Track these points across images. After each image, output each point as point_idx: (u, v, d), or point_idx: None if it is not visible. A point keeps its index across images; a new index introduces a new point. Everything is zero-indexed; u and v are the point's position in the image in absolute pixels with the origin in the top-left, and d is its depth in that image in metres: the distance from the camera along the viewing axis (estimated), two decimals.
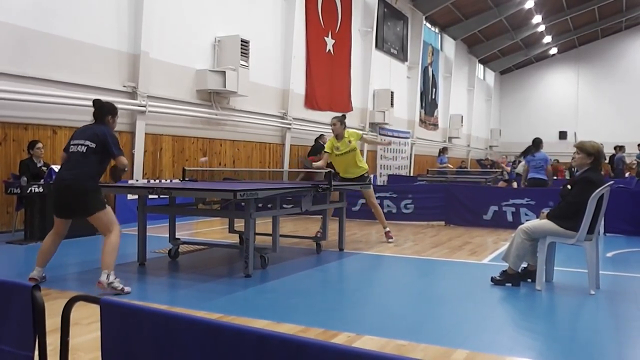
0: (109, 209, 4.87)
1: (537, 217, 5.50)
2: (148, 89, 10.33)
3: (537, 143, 10.76)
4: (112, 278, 4.58)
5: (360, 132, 7.86)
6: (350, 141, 7.73)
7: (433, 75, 25.80)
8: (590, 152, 5.04)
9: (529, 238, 5.07)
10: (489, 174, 17.71)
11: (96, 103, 5.06)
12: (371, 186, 8.08)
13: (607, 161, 18.27)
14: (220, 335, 1.58)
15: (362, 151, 18.89)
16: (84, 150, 4.77)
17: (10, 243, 7.24)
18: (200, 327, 1.62)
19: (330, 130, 8.15)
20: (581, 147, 5.10)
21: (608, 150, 18.62)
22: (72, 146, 4.87)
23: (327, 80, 16.52)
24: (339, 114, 8.46)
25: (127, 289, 4.63)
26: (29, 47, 8.48)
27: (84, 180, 4.74)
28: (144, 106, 10.21)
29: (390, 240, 7.90)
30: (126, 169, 4.98)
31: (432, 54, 25.52)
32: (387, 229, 8.06)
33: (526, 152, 10.94)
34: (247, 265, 5.37)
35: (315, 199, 6.43)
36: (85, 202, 4.74)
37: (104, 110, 5.02)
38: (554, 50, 33.74)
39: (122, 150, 5.03)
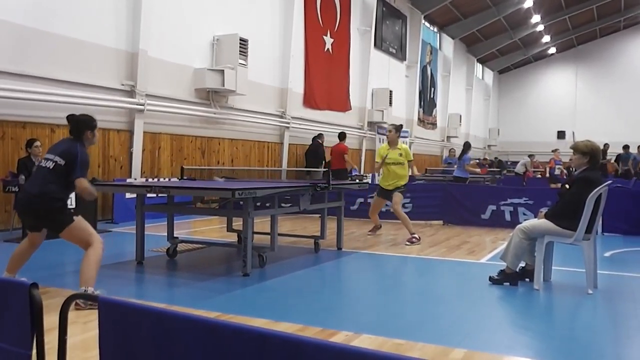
0: (79, 221, 4.37)
1: (535, 217, 5.51)
2: (146, 88, 10.32)
3: (468, 146, 13.01)
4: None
5: (412, 156, 8.32)
6: (401, 154, 8.08)
7: (432, 74, 25.81)
8: (585, 152, 5.05)
9: (527, 237, 5.08)
10: (487, 174, 17.74)
11: (71, 119, 4.57)
12: (400, 195, 8.15)
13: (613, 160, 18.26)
14: (218, 334, 1.58)
15: (360, 150, 18.95)
16: (51, 167, 4.33)
17: (8, 241, 7.23)
18: (199, 325, 1.62)
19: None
20: (575, 148, 5.13)
21: (615, 150, 18.66)
22: (43, 160, 4.46)
23: (326, 79, 16.51)
24: (396, 124, 8.81)
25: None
26: (28, 45, 8.47)
27: (48, 201, 4.28)
28: (143, 105, 10.19)
29: (407, 243, 7.73)
30: (89, 196, 4.44)
31: (431, 53, 25.53)
32: (414, 235, 7.89)
33: (463, 154, 12.90)
34: (245, 264, 5.37)
35: (313, 198, 6.44)
36: (54, 219, 4.32)
37: (80, 126, 4.52)
38: (552, 50, 33.79)
39: (86, 176, 4.48)
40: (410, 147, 22.50)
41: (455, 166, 13.61)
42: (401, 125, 8.82)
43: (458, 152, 14.37)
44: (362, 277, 5.89)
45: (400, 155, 8.09)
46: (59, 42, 8.92)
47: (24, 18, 8.37)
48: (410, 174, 8.33)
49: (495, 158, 28.54)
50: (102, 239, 4.42)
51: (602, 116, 32.55)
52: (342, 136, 14.08)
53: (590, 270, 4.96)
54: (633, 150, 18.55)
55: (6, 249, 6.84)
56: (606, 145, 17.24)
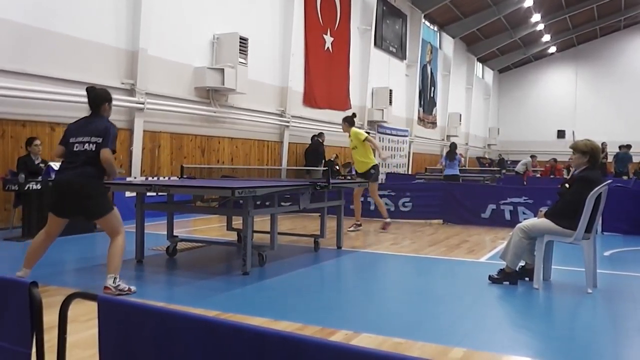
0: (116, 210, 4.64)
1: (535, 216, 5.51)
2: (146, 86, 10.32)
3: (454, 147, 13.75)
4: (117, 281, 4.46)
5: (365, 134, 8.82)
6: (351, 140, 8.75)
7: (432, 73, 25.80)
8: (584, 151, 5.05)
9: (527, 237, 5.07)
10: (487, 173, 17.78)
11: (90, 92, 4.74)
12: (373, 183, 8.79)
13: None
14: (218, 333, 1.58)
15: None
16: (93, 148, 4.45)
17: (8, 240, 7.24)
18: (198, 324, 1.62)
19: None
20: (575, 147, 5.14)
21: (614, 149, 18.63)
22: (76, 144, 4.51)
23: (326, 78, 16.51)
24: (348, 113, 9.38)
25: (133, 288, 4.53)
26: (28, 44, 8.46)
27: (94, 183, 4.48)
28: (142, 103, 10.20)
29: (382, 230, 8.59)
30: (111, 168, 4.53)
31: (431, 52, 25.52)
32: (387, 220, 8.80)
33: (452, 154, 13.51)
34: (245, 263, 5.37)
35: (313, 196, 6.43)
36: (96, 204, 4.52)
37: (99, 99, 4.70)
38: (552, 49, 33.78)
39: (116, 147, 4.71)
40: (410, 146, 22.59)
41: (444, 165, 14.04)
42: (351, 115, 9.38)
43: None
44: (361, 276, 5.89)
45: (351, 141, 8.76)
46: (59, 40, 8.91)
47: (24, 17, 8.37)
48: (375, 155, 8.95)
49: (499, 155, 28.53)
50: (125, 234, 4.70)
51: (602, 116, 32.54)
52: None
53: (590, 270, 4.96)
54: (635, 149, 18.48)
55: (6, 247, 6.85)
56: (604, 144, 17.19)
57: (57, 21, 8.86)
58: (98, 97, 4.70)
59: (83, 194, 4.45)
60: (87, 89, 4.78)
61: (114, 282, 4.43)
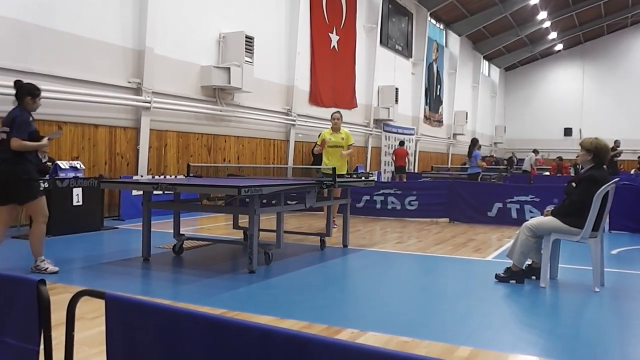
0: (42, 198, 5.15)
1: (542, 214, 5.49)
2: (153, 85, 10.35)
3: (475, 142, 13.79)
4: (39, 262, 5.09)
5: (352, 140, 8.72)
6: (342, 138, 8.47)
7: (438, 71, 25.74)
8: (589, 149, 5.03)
9: (534, 235, 5.06)
10: (494, 171, 17.74)
11: (17, 84, 5.11)
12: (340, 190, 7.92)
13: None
14: (224, 331, 1.58)
15: (365, 147, 18.99)
16: (5, 137, 4.93)
17: (15, 238, 7.27)
18: (204, 322, 1.62)
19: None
20: (581, 144, 5.13)
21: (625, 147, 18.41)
22: None
23: (332, 77, 16.51)
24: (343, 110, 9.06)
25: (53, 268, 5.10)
26: (33, 42, 8.50)
27: (13, 167, 4.93)
28: (149, 102, 10.22)
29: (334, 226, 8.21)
30: (23, 147, 4.91)
31: (437, 51, 25.46)
32: (334, 219, 8.39)
33: (472, 150, 13.64)
34: (251, 261, 5.38)
35: (319, 195, 6.43)
36: (18, 189, 5.00)
37: (22, 91, 5.04)
38: (559, 47, 33.62)
39: (27, 135, 4.97)
40: (416, 144, 22.57)
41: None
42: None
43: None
44: (367, 274, 5.89)
45: (342, 139, 8.50)
46: (66, 39, 8.95)
47: (29, 15, 8.40)
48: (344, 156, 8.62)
49: (513, 154, 28.41)
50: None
51: (609, 113, 32.37)
52: (402, 143, 18.55)
53: (597, 268, 4.94)
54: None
55: (14, 245, 6.88)
56: (617, 142, 16.94)
57: (63, 20, 8.90)
58: (20, 91, 5.06)
59: (7, 179, 4.97)
60: (14, 82, 5.15)
61: (35, 263, 5.09)
